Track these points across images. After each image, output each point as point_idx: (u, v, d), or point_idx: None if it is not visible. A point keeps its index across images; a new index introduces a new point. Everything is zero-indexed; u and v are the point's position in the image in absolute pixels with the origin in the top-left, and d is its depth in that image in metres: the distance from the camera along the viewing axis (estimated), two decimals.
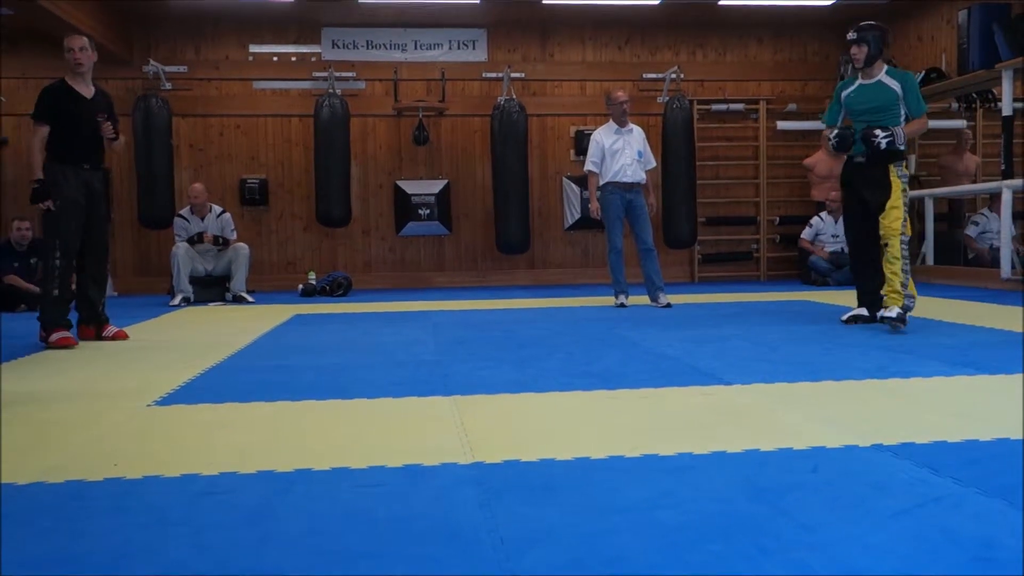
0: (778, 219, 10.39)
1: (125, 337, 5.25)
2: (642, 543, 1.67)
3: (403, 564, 1.60)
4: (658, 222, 9.90)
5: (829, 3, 9.39)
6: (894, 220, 4.95)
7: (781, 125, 10.25)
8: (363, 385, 3.50)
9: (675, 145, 9.64)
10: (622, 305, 6.85)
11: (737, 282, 10.05)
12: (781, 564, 1.55)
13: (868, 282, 5.29)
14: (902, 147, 5.00)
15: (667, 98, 9.87)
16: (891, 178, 5.00)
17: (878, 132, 5.00)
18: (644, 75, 10.18)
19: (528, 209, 9.63)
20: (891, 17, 9.83)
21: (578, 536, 1.72)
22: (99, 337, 5.19)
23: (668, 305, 6.73)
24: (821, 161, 9.64)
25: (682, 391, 3.28)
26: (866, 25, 5.21)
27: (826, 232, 9.19)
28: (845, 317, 5.38)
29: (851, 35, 5.21)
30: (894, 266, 4.92)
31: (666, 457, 2.30)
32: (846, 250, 9.19)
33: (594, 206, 7.11)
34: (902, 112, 5.08)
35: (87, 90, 5.16)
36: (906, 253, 4.91)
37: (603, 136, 6.99)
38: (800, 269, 9.54)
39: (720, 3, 9.21)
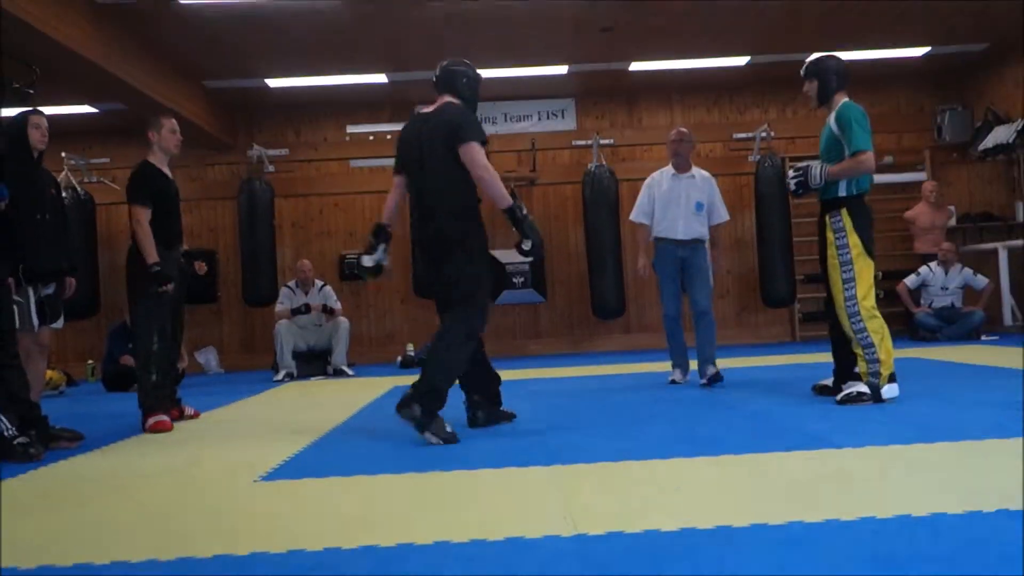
0: (880, 274, 10.03)
1: (197, 416, 5.31)
2: None
3: None
4: (755, 282, 9.75)
5: (921, 53, 9.20)
6: (834, 288, 4.38)
7: (877, 179, 9.97)
8: (463, 456, 3.50)
9: (769, 203, 9.51)
10: (674, 382, 5.81)
11: None
12: None
13: (836, 350, 4.64)
14: (815, 187, 4.41)
15: (758, 157, 9.77)
16: (826, 233, 4.44)
17: (790, 173, 4.56)
18: (734, 135, 10.13)
19: (621, 273, 9.60)
20: (989, 64, 9.59)
21: None
22: (180, 417, 5.16)
23: (717, 376, 5.58)
24: (922, 213, 9.36)
25: (789, 456, 3.17)
26: (815, 58, 4.69)
27: (935, 284, 8.85)
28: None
29: (802, 71, 4.70)
30: (853, 345, 4.37)
31: (777, 526, 2.21)
32: (956, 304, 8.86)
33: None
34: (847, 153, 4.40)
35: (168, 171, 5.12)
36: (858, 324, 4.30)
37: (656, 182, 5.94)
38: (907, 325, 9.18)
39: (808, 60, 9.12)
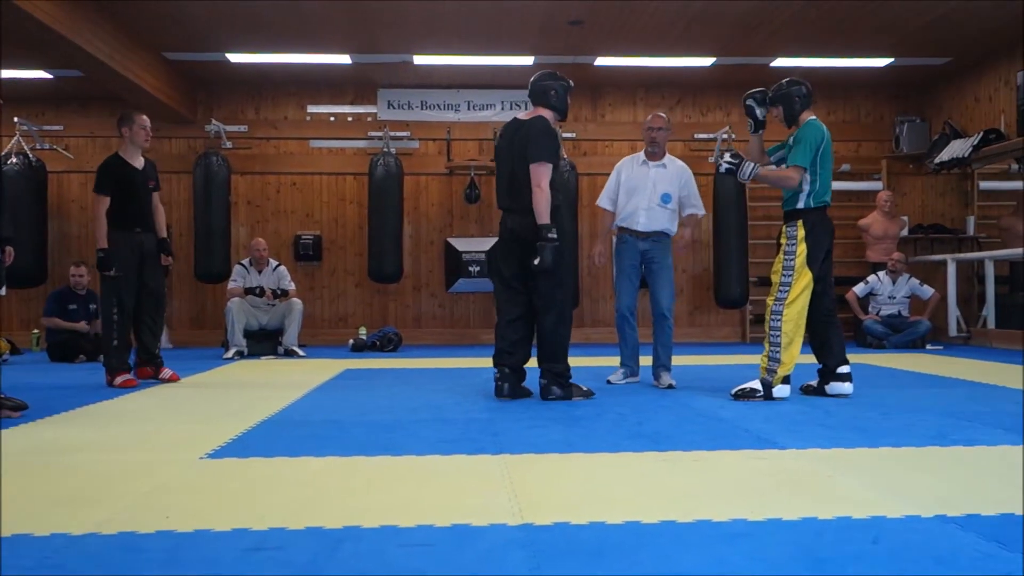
0: (832, 280, 10.21)
1: (177, 379, 5.86)
2: None
3: None
4: (709, 281, 9.84)
5: (884, 64, 9.35)
6: (772, 288, 4.71)
7: (834, 186, 10.14)
8: (412, 441, 3.49)
9: (726, 205, 9.61)
10: (610, 383, 5.56)
11: None
12: None
13: (815, 350, 4.97)
14: (741, 179, 4.72)
15: (719, 158, 9.86)
16: (781, 239, 4.78)
17: (726, 155, 4.80)
18: (695, 135, 10.21)
19: (578, 267, 9.64)
20: (949, 77, 9.79)
21: None
22: (156, 377, 5.79)
23: (670, 386, 5.29)
24: (876, 222, 9.53)
25: (735, 455, 3.21)
26: (778, 85, 4.89)
27: (882, 293, 9.02)
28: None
29: (768, 95, 4.94)
30: (765, 339, 4.70)
31: (720, 523, 2.24)
32: (903, 313, 9.04)
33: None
34: (787, 163, 4.83)
35: (139, 162, 5.77)
36: (776, 323, 4.61)
37: (624, 167, 5.68)
38: (855, 332, 9.34)
39: (771, 65, 9.23)
